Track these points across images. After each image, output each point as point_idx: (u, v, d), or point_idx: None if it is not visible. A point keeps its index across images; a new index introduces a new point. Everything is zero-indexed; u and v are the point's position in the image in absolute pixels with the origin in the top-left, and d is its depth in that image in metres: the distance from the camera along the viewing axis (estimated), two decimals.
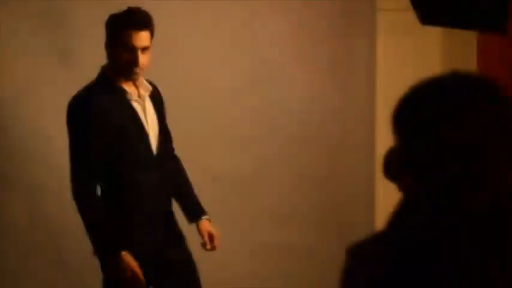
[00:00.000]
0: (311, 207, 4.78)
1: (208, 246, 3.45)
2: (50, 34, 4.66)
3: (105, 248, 3.24)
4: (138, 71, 3.22)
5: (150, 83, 3.40)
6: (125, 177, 3.28)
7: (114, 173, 3.28)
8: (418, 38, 4.54)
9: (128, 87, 3.30)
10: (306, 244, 4.77)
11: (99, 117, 3.20)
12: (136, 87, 3.33)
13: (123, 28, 3.19)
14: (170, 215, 3.44)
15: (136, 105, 3.30)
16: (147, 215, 3.32)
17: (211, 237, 3.45)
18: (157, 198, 3.34)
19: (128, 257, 3.19)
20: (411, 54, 4.62)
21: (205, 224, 3.46)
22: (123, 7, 3.29)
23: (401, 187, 1.38)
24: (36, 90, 4.64)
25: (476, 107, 1.32)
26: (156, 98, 3.40)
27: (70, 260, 4.64)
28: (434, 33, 4.51)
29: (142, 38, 3.18)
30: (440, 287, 1.27)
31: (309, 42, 4.78)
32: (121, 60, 3.22)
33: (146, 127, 3.30)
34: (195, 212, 3.48)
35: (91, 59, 4.66)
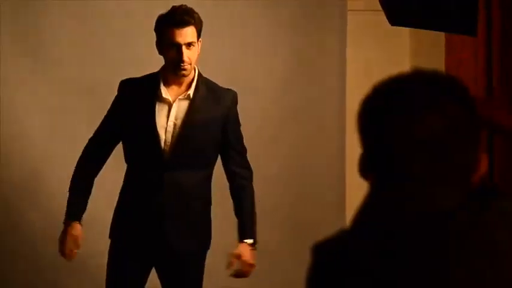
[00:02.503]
0: (278, 205, 4.79)
1: (231, 269, 3.44)
2: (28, 44, 4.64)
3: (68, 211, 3.46)
4: (185, 67, 3.30)
5: (227, 90, 3.48)
6: (129, 166, 3.45)
7: (126, 159, 3.46)
8: (388, 38, 4.57)
9: (166, 86, 3.36)
10: (273, 243, 4.77)
11: (125, 100, 3.40)
12: (177, 86, 3.38)
13: (166, 26, 3.30)
14: (166, 216, 3.40)
15: (160, 106, 3.36)
16: (138, 210, 3.40)
17: (239, 261, 3.43)
18: (155, 199, 3.36)
19: (72, 227, 3.42)
20: (381, 55, 4.65)
21: (242, 247, 3.44)
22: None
23: (370, 186, 1.39)
24: (16, 101, 4.63)
25: (438, 106, 1.31)
26: (204, 105, 3.39)
27: (49, 263, 4.62)
28: (403, 34, 4.54)
29: (184, 34, 3.28)
30: (401, 284, 1.28)
31: (279, 42, 4.80)
32: (168, 57, 3.34)
33: (159, 129, 3.34)
34: (240, 233, 3.49)
35: (63, 59, 4.68)
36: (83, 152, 3.51)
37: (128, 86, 3.43)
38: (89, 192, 3.49)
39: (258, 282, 4.76)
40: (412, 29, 4.25)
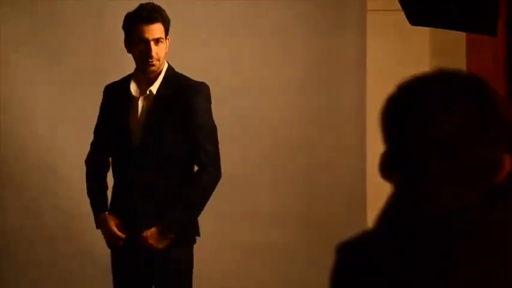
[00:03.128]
0: (302, 206, 4.79)
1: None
2: (42, 34, 4.67)
3: (93, 210, 3.54)
4: (154, 62, 3.34)
5: (199, 84, 3.45)
6: (112, 162, 3.54)
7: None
8: (408, 38, 4.56)
9: (136, 84, 3.41)
10: (295, 244, 4.77)
11: (105, 103, 3.54)
12: (146, 83, 3.40)
13: (134, 23, 3.35)
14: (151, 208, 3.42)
15: (131, 104, 3.41)
16: (116, 206, 3.49)
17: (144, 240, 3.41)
18: (127, 192, 3.42)
19: (105, 217, 3.47)
20: (401, 55, 4.63)
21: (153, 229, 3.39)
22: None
23: (394, 186, 1.39)
24: (28, 91, 4.65)
25: (456, 105, 1.31)
26: (168, 99, 3.39)
27: (62, 261, 4.64)
28: (424, 34, 4.52)
29: (153, 30, 3.33)
30: (416, 284, 1.28)
31: (299, 43, 4.80)
32: (136, 54, 3.38)
33: (131, 122, 3.39)
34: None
35: (83, 59, 4.71)
36: (88, 156, 3.62)
37: (108, 90, 3.54)
38: (106, 187, 3.58)
39: (283, 283, 4.78)
40: (433, 29, 4.23)
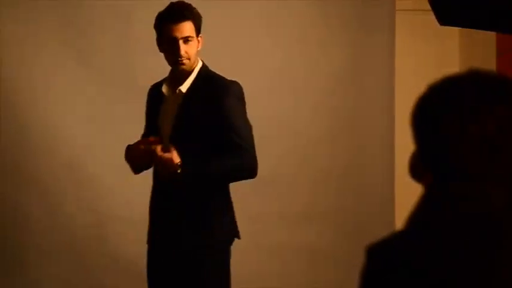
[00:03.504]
0: (329, 207, 4.78)
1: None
2: (69, 34, 4.70)
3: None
4: (184, 61, 3.32)
5: (228, 82, 3.37)
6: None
7: None
8: (437, 38, 4.54)
9: (169, 83, 3.41)
10: (324, 244, 4.77)
11: (147, 103, 3.53)
12: (177, 82, 3.39)
13: (163, 23, 3.34)
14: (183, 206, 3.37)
15: (164, 103, 3.41)
16: (152, 212, 3.44)
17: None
18: (163, 187, 3.37)
19: (130, 145, 3.36)
20: (430, 55, 4.62)
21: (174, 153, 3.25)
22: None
23: (424, 187, 1.38)
24: (55, 91, 4.69)
25: (495, 106, 1.31)
26: (198, 98, 3.34)
27: (90, 261, 4.67)
28: (453, 34, 4.50)
29: (181, 29, 3.30)
30: (453, 286, 1.27)
31: (328, 43, 4.79)
32: (167, 53, 3.36)
33: (160, 120, 3.39)
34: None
35: (110, 59, 4.74)
36: None
37: (150, 90, 3.54)
38: None
39: (310, 284, 4.78)
40: (462, 29, 4.21)
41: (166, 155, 3.20)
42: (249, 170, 3.35)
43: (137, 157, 3.35)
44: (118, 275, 4.58)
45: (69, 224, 4.69)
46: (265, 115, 4.72)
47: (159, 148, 3.23)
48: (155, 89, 3.50)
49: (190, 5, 3.36)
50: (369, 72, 4.79)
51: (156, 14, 3.42)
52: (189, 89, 3.37)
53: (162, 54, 3.42)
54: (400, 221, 4.06)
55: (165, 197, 3.39)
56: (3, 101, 4.63)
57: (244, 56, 4.70)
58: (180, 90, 3.36)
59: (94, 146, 4.64)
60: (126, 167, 3.45)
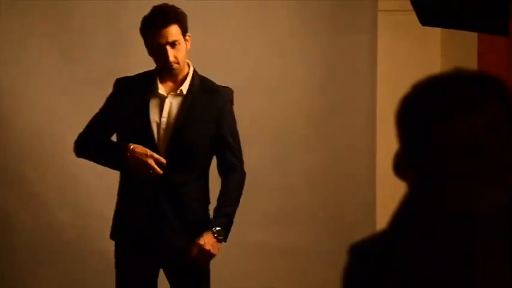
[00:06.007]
0: (311, 207, 4.79)
1: (191, 254, 3.38)
2: (53, 32, 4.68)
3: (116, 153, 3.34)
4: (174, 66, 3.30)
5: (220, 88, 3.44)
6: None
7: None
8: (419, 38, 4.55)
9: (163, 83, 3.36)
10: (306, 243, 4.77)
11: (119, 96, 3.40)
12: (173, 83, 3.38)
13: (148, 29, 3.29)
14: (166, 208, 3.37)
15: (154, 101, 3.35)
16: (134, 202, 3.37)
17: (200, 249, 3.37)
18: (150, 189, 3.34)
19: (135, 146, 3.29)
20: (412, 55, 4.63)
21: (206, 235, 3.36)
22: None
23: (408, 186, 1.38)
24: (41, 91, 4.67)
25: (481, 105, 1.31)
26: (199, 100, 3.37)
27: (74, 261, 4.65)
28: (435, 34, 4.52)
29: (166, 34, 3.26)
30: (440, 285, 1.27)
31: (310, 43, 4.80)
32: (155, 58, 3.33)
33: (152, 124, 3.32)
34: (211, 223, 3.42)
35: (98, 59, 4.72)
36: (81, 135, 3.49)
37: (123, 84, 3.42)
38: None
39: (291, 284, 4.78)
40: (444, 29, 4.23)
41: (210, 251, 3.34)
42: (242, 182, 3.52)
43: (139, 166, 3.29)
44: (102, 275, 4.56)
45: (52, 224, 4.68)
46: (246, 115, 4.71)
47: (207, 248, 3.33)
48: (132, 84, 3.39)
49: (173, 6, 3.31)
50: (351, 72, 4.80)
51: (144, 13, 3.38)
52: (188, 90, 3.36)
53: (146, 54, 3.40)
54: (382, 221, 4.07)
55: (153, 197, 3.36)
56: None
57: (224, 56, 4.70)
58: (181, 91, 3.35)
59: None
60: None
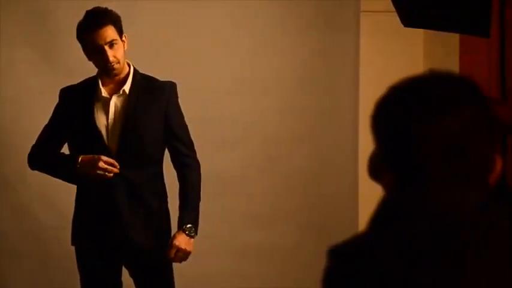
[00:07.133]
0: (294, 207, 4.79)
1: (170, 256, 3.44)
2: (34, 35, 4.66)
3: (67, 167, 3.41)
4: (114, 66, 3.35)
5: (155, 82, 3.47)
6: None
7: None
8: (401, 39, 4.56)
9: (105, 85, 3.41)
10: (288, 244, 4.78)
11: (65, 105, 3.46)
12: (115, 84, 3.42)
13: (85, 32, 3.35)
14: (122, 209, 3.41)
15: (99, 104, 3.40)
16: (91, 206, 3.42)
17: (176, 249, 3.43)
18: (107, 190, 3.38)
19: (83, 156, 3.36)
20: (395, 56, 4.64)
21: (178, 235, 3.42)
22: (113, 6, 3.38)
23: (384, 187, 1.38)
24: (24, 92, 4.64)
25: (458, 107, 1.31)
26: (142, 98, 3.42)
27: (56, 263, 4.63)
28: (418, 35, 4.53)
29: (103, 35, 3.31)
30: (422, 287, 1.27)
31: (293, 43, 4.80)
32: (95, 61, 3.38)
33: (99, 127, 3.37)
34: (179, 218, 3.47)
35: (79, 60, 4.70)
36: (34, 148, 3.54)
37: (67, 93, 3.50)
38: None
39: (274, 284, 4.78)
40: (426, 30, 4.24)
41: (186, 249, 3.39)
42: (200, 173, 3.54)
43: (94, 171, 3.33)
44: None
45: (34, 225, 4.66)
46: (230, 116, 4.72)
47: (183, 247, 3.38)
48: (76, 91, 3.45)
49: (106, 8, 3.37)
50: (334, 72, 4.80)
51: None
52: (131, 90, 3.40)
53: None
54: (363, 222, 4.08)
55: (110, 197, 3.38)
56: None
57: (209, 56, 4.69)
58: (124, 91, 3.38)
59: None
60: None
